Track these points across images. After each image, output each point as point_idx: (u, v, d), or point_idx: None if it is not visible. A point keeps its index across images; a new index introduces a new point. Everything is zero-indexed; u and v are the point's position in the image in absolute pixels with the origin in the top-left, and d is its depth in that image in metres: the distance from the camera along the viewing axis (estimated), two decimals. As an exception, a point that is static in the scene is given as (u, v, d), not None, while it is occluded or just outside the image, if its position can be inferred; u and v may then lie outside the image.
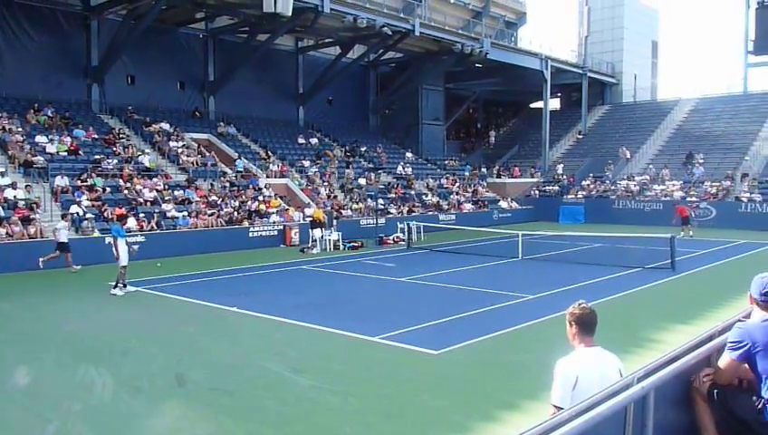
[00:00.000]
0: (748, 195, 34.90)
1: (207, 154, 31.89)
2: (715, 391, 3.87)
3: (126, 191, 25.60)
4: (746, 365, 3.86)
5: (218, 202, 27.37)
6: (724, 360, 3.84)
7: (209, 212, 25.99)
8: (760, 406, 3.74)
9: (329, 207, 29.95)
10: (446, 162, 46.49)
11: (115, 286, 15.87)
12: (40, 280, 18.13)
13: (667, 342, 10.26)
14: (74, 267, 19.70)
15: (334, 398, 8.33)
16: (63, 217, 20.92)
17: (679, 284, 17.16)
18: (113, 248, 16.03)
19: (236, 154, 33.31)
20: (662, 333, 11.38)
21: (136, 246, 18.24)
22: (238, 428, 7.30)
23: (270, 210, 28.32)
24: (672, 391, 3.71)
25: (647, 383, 3.17)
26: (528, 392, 8.16)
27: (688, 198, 35.63)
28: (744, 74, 48.30)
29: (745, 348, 3.76)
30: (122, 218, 19.23)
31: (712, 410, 3.87)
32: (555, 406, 3.86)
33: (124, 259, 15.89)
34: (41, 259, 19.46)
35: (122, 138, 30.25)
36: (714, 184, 36.90)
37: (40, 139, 26.80)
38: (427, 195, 37.97)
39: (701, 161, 40.29)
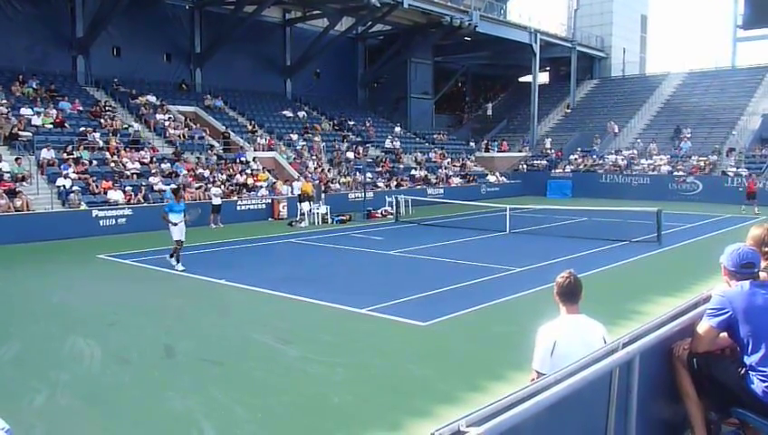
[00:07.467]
0: (734, 169, 35.12)
1: (194, 127, 31.63)
2: (695, 359, 3.91)
3: (113, 164, 25.40)
4: (724, 334, 3.90)
5: (206, 175, 27.22)
6: (703, 327, 3.86)
7: (196, 185, 25.85)
8: (743, 372, 3.78)
9: (317, 181, 29.87)
10: (435, 136, 46.38)
11: (171, 256, 15.62)
12: (27, 253, 18.03)
13: (651, 314, 10.32)
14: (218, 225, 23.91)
15: (322, 368, 8.38)
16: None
17: (665, 257, 17.32)
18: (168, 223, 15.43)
19: (223, 127, 33.07)
20: (647, 305, 11.49)
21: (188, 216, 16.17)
22: (227, 398, 7.33)
23: (258, 184, 28.21)
24: (657, 357, 3.77)
25: (632, 348, 3.21)
26: (514, 363, 8.22)
27: (675, 172, 35.82)
28: (733, 49, 48.33)
29: (726, 316, 3.77)
30: (177, 192, 16.96)
31: (693, 377, 3.92)
32: (536, 370, 4.09)
33: (178, 234, 15.40)
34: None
35: (108, 110, 29.94)
36: (701, 158, 37.06)
37: (25, 111, 26.44)
38: (415, 169, 37.93)
39: (688, 136, 40.42)
